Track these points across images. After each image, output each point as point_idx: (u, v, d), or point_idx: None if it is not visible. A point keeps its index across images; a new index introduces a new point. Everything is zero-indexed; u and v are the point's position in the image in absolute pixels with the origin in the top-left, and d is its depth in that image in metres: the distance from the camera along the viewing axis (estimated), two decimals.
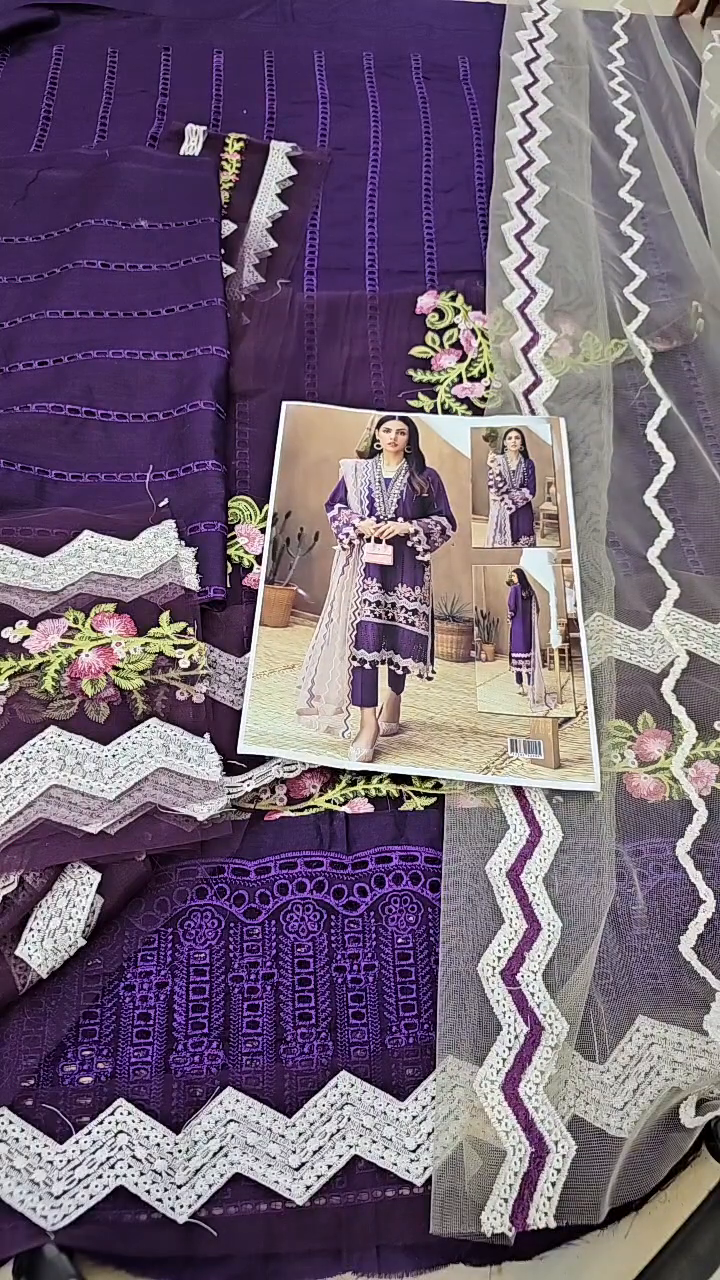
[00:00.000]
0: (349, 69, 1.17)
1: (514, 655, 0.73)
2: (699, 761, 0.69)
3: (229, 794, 0.63)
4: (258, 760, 0.66)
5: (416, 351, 0.92)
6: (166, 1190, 0.53)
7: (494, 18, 1.24)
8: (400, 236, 1.01)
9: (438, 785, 0.67)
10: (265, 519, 0.79)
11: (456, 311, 0.94)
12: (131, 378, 0.85)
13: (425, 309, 0.95)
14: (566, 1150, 0.53)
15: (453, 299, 0.95)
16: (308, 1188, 0.54)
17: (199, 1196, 0.53)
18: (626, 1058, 0.57)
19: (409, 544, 0.77)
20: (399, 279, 0.97)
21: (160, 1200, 0.52)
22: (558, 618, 0.74)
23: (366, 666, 0.71)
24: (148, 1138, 0.54)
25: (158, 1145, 0.54)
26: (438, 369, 0.91)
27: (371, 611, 0.73)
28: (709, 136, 1.10)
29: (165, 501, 0.77)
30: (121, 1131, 0.54)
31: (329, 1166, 0.54)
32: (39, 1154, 0.53)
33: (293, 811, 0.66)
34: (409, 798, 0.67)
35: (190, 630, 0.70)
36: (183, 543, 0.74)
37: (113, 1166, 0.53)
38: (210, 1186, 0.53)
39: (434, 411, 0.88)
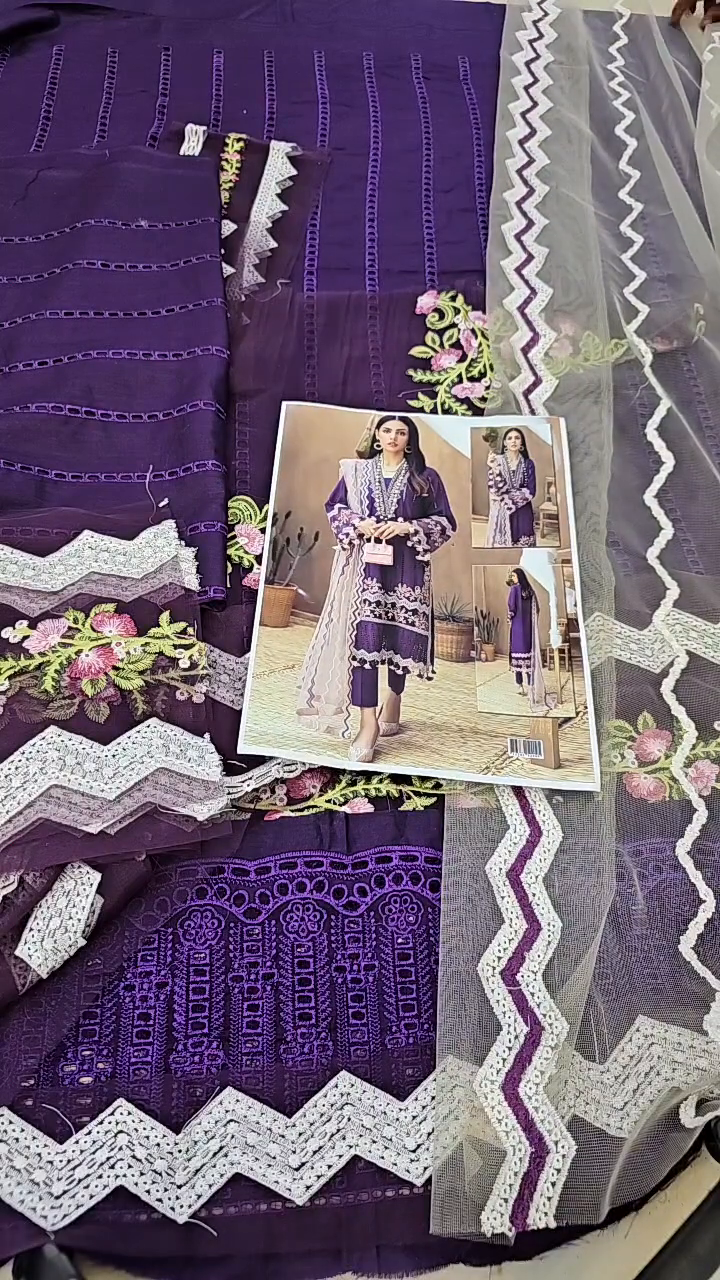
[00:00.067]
0: (349, 69, 1.17)
1: (514, 655, 0.73)
2: (699, 761, 0.69)
3: (229, 794, 0.63)
4: (258, 760, 0.66)
5: (416, 351, 0.92)
6: (166, 1190, 0.53)
7: (494, 18, 1.24)
8: (400, 236, 1.01)
9: (438, 785, 0.67)
10: (265, 519, 0.79)
11: (456, 311, 0.94)
12: (131, 378, 0.85)
13: (425, 309, 0.95)
14: (566, 1150, 0.53)
15: (453, 299, 0.95)
16: (308, 1188, 0.54)
17: (199, 1196, 0.53)
18: (626, 1058, 0.57)
19: (409, 544, 0.77)
20: (399, 279, 0.97)
21: (160, 1200, 0.52)
22: (558, 618, 0.74)
23: (366, 666, 0.71)
24: (148, 1138, 0.54)
25: (158, 1145, 0.54)
26: (438, 369, 0.91)
27: (371, 611, 0.73)
28: (709, 136, 1.11)
29: (165, 501, 0.77)
30: (121, 1131, 0.54)
31: (329, 1166, 0.54)
32: (39, 1154, 0.53)
33: (293, 811, 0.66)
34: (409, 798, 0.67)
35: (190, 630, 0.70)
36: (183, 543, 0.74)
37: (113, 1166, 0.53)
38: (210, 1186, 0.53)
39: (434, 411, 0.88)
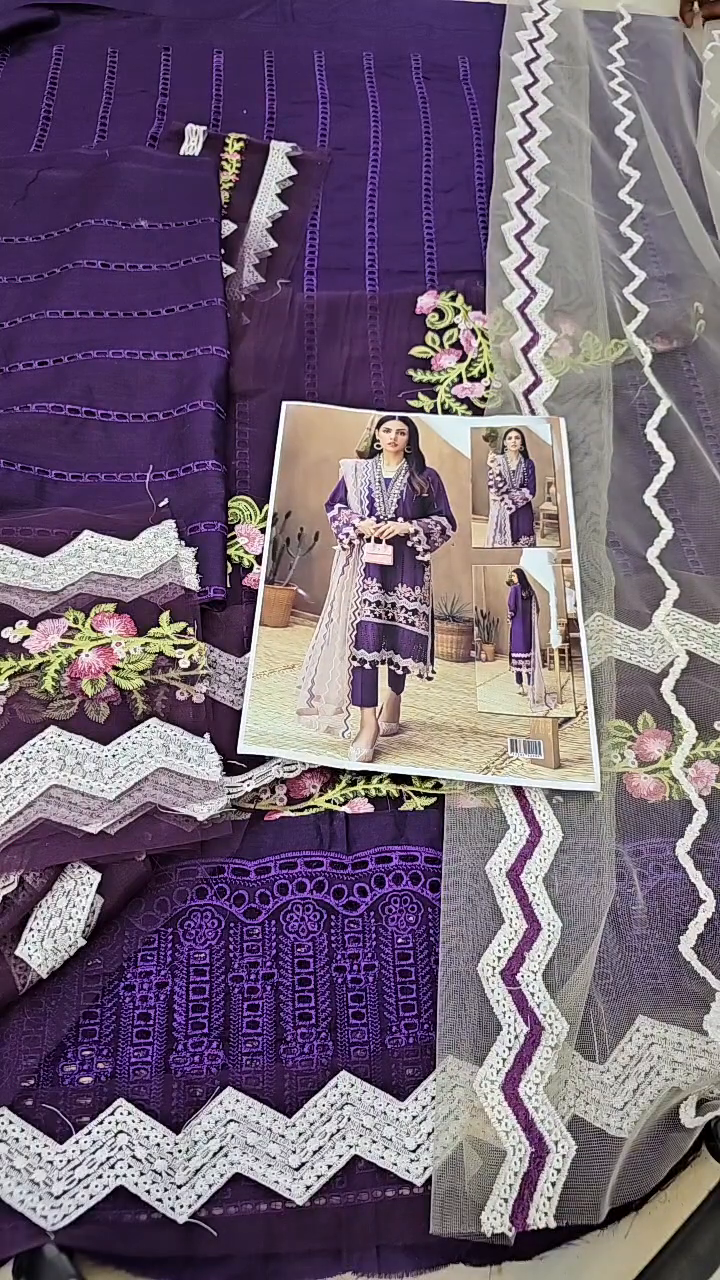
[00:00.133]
0: (349, 69, 1.17)
1: (514, 655, 0.73)
2: (699, 761, 0.69)
3: (229, 794, 0.63)
4: (258, 760, 0.66)
5: (416, 351, 0.92)
6: (166, 1190, 0.53)
7: (494, 18, 1.24)
8: (400, 236, 1.01)
9: (438, 785, 0.67)
10: (265, 519, 0.79)
11: (456, 311, 0.94)
12: (131, 378, 0.85)
13: (425, 309, 0.95)
14: (566, 1150, 0.53)
15: (453, 299, 0.95)
16: (308, 1188, 0.54)
17: (199, 1196, 0.53)
18: (626, 1058, 0.57)
19: (409, 544, 0.77)
20: (399, 279, 0.97)
21: (160, 1200, 0.52)
22: (558, 618, 0.74)
23: (366, 666, 0.71)
24: (148, 1138, 0.54)
25: (158, 1145, 0.54)
26: (438, 369, 0.91)
27: (371, 611, 0.73)
28: (709, 136, 1.11)
29: (165, 501, 0.77)
30: (121, 1131, 0.54)
31: (329, 1166, 0.54)
32: (39, 1154, 0.53)
33: (293, 811, 0.66)
34: (409, 798, 0.67)
35: (190, 630, 0.70)
36: (183, 543, 0.74)
37: (113, 1166, 0.53)
38: (210, 1186, 0.53)
39: (434, 411, 0.88)
